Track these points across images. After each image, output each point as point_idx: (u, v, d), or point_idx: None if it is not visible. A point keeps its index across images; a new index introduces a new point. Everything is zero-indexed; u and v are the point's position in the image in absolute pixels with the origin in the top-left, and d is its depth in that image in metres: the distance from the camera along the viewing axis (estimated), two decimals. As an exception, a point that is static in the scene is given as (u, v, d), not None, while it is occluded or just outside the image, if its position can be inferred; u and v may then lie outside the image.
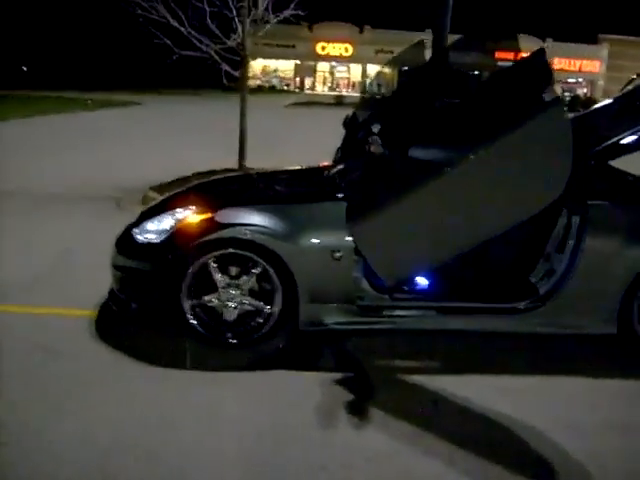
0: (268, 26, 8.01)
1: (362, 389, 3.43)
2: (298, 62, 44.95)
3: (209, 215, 3.74)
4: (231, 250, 3.64)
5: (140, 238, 3.82)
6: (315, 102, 32.35)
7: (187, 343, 3.73)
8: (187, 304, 3.68)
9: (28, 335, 3.82)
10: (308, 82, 46.18)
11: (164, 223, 3.81)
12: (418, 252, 3.38)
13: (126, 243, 3.88)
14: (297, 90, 39.47)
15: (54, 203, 7.70)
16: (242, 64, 7.83)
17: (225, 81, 7.74)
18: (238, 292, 3.71)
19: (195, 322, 3.71)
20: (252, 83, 45.49)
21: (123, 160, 11.48)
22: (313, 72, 45.75)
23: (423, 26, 42.14)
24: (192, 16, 7.35)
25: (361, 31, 43.22)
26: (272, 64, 45.77)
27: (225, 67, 7.83)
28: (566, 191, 3.84)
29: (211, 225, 3.69)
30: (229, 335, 3.75)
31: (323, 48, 40.64)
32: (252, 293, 3.74)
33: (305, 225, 3.69)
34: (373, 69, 47.09)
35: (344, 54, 42.90)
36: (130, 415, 3.03)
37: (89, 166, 10.67)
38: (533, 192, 3.18)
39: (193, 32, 7.57)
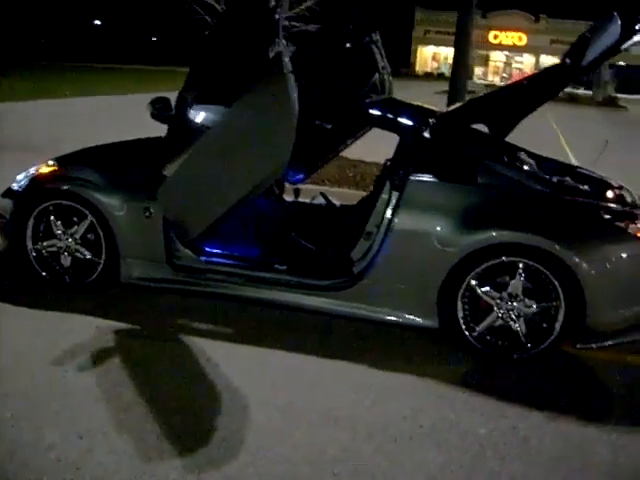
0: (304, 5, 8.02)
1: (129, 340, 3.53)
2: (470, 51, 43.60)
3: (55, 169, 4.06)
4: (63, 201, 3.91)
5: (12, 187, 4.22)
6: (470, 90, 31.12)
7: (31, 283, 4.08)
8: (30, 247, 4.02)
9: None
10: (479, 71, 44.52)
11: (28, 174, 4.18)
12: (199, 210, 3.43)
13: (6, 192, 4.29)
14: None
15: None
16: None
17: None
18: (72, 240, 3.97)
19: (36, 264, 4.04)
20: (420, 70, 44.85)
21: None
22: (485, 61, 44.04)
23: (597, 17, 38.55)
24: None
25: (537, 20, 40.66)
26: (443, 52, 44.92)
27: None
28: (391, 164, 3.61)
29: (51, 176, 4.01)
30: (66, 278, 4.04)
31: (496, 37, 38.86)
32: (85, 243, 3.98)
33: (125, 183, 3.85)
34: (547, 60, 44.06)
35: (517, 43, 40.61)
36: None
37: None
38: (263, 157, 3.07)
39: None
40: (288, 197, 5.01)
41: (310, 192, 5.12)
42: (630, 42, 3.26)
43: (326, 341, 3.64)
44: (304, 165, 4.95)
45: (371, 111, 3.96)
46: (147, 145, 4.48)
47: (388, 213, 3.50)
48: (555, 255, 3.24)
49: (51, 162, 4.17)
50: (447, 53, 44.89)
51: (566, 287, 3.28)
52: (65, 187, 3.89)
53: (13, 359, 3.24)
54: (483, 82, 41.49)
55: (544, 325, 3.39)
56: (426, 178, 3.49)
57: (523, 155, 4.12)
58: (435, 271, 3.43)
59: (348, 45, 5.03)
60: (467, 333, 3.47)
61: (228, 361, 3.33)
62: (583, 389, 3.31)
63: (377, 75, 5.11)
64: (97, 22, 55.44)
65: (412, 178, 3.49)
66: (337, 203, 4.87)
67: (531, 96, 3.61)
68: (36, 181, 4.03)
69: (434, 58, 44.13)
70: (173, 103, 3.64)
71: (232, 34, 3.21)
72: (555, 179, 3.91)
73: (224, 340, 3.57)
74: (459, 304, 3.44)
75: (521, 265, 3.33)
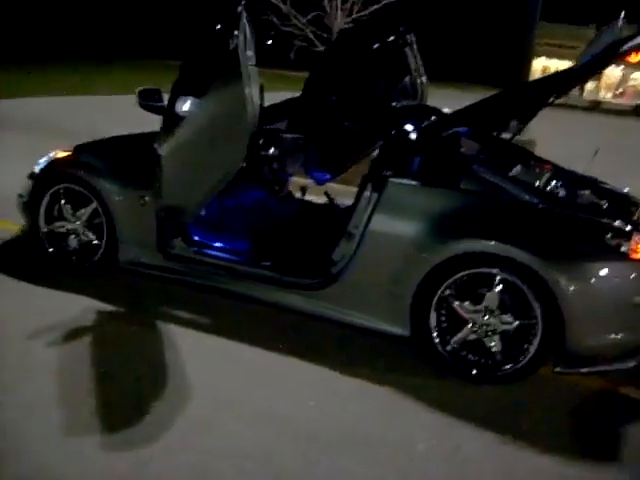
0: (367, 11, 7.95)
1: (107, 321, 3.64)
2: (581, 64, 41.33)
3: (70, 154, 4.26)
4: (72, 185, 4.09)
5: (34, 169, 4.47)
6: (572, 105, 29.50)
7: (42, 262, 4.30)
8: (42, 227, 4.24)
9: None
10: (590, 86, 42.25)
11: (49, 158, 4.41)
12: (182, 197, 3.52)
13: (30, 174, 4.54)
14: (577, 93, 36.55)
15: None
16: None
17: (292, 57, 7.96)
18: (79, 223, 4.15)
19: (47, 244, 4.26)
20: (528, 84, 42.94)
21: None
22: (597, 76, 41.70)
23: None
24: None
25: (659, 34, 37.89)
26: (553, 64, 43.17)
27: (319, 46, 8.09)
28: (373, 165, 3.52)
29: (65, 161, 4.22)
30: (73, 259, 4.22)
31: (611, 51, 36.52)
32: (91, 226, 4.14)
33: (124, 172, 3.99)
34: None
35: (631, 59, 38.00)
36: None
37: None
38: (223, 149, 3.08)
39: (292, 10, 8.01)
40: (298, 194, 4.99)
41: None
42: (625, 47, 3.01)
43: (297, 340, 3.57)
44: (332, 166, 4.92)
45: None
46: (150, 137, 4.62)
47: (366, 214, 3.40)
48: (531, 269, 3.03)
49: (70, 148, 4.38)
50: (557, 66, 42.97)
51: (543, 305, 3.05)
52: (73, 172, 4.08)
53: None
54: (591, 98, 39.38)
55: (522, 344, 3.17)
56: (406, 180, 3.36)
57: (533, 163, 3.90)
58: (408, 277, 3.29)
59: (376, 46, 4.96)
60: (439, 345, 3.30)
61: (193, 350, 3.36)
62: (551, 416, 3.04)
63: (408, 78, 5.00)
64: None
65: (392, 180, 3.37)
66: (345, 203, 4.78)
67: (529, 100, 3.39)
68: (51, 165, 4.25)
69: (544, 71, 42.45)
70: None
71: (210, 27, 3.25)
72: (563, 191, 3.67)
73: (198, 330, 3.60)
74: (432, 314, 3.28)
75: (498, 278, 3.13)
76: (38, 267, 4.27)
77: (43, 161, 4.40)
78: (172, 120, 3.50)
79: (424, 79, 5.02)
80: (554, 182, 3.74)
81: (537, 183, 3.60)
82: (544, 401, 3.15)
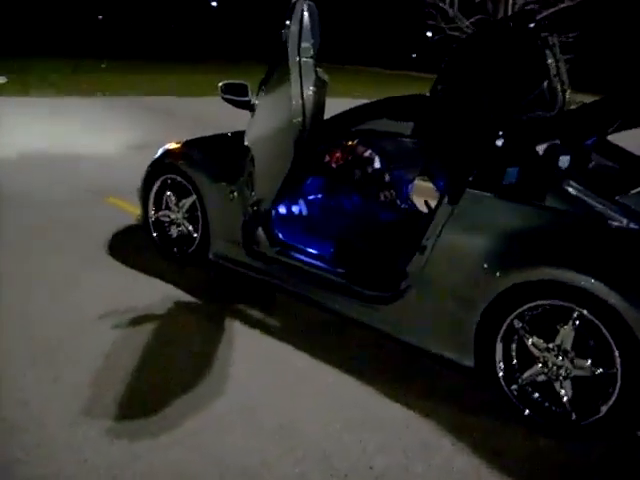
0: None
1: (179, 312, 3.71)
2: None
3: (179, 146, 4.42)
4: (177, 176, 4.25)
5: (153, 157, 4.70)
6: None
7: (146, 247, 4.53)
8: (151, 214, 4.46)
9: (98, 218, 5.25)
10: None
11: (163, 149, 4.61)
12: (261, 194, 3.55)
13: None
14: None
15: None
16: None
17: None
18: (179, 214, 4.31)
19: (153, 230, 4.47)
20: None
21: None
22: None
23: None
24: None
25: None
26: None
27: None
28: (451, 174, 3.22)
29: (173, 153, 4.38)
30: (175, 248, 4.39)
31: None
32: (190, 218, 4.27)
33: (219, 167, 4.06)
34: None
35: None
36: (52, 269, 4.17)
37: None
38: (276, 150, 2.97)
39: (459, 14, 7.63)
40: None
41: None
42: None
43: (360, 356, 3.33)
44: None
45: None
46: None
47: (439, 227, 3.07)
48: (615, 309, 2.50)
49: (181, 141, 4.55)
50: None
51: (625, 353, 2.51)
52: (177, 164, 4.23)
53: (73, 305, 3.67)
54: None
55: (598, 397, 2.64)
56: (483, 192, 2.97)
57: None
58: (474, 301, 2.90)
59: (510, 44, 4.51)
60: (504, 382, 2.88)
61: (248, 351, 3.29)
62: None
63: (546, 83, 4.47)
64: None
65: (468, 190, 3.00)
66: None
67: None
68: (163, 155, 4.45)
69: None
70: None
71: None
72: None
73: (262, 331, 3.51)
74: (499, 345, 2.87)
75: (575, 314, 2.64)
76: (141, 252, 4.49)
77: (160, 151, 4.62)
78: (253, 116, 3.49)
79: (566, 87, 4.45)
80: None
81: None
82: (615, 469, 2.60)
